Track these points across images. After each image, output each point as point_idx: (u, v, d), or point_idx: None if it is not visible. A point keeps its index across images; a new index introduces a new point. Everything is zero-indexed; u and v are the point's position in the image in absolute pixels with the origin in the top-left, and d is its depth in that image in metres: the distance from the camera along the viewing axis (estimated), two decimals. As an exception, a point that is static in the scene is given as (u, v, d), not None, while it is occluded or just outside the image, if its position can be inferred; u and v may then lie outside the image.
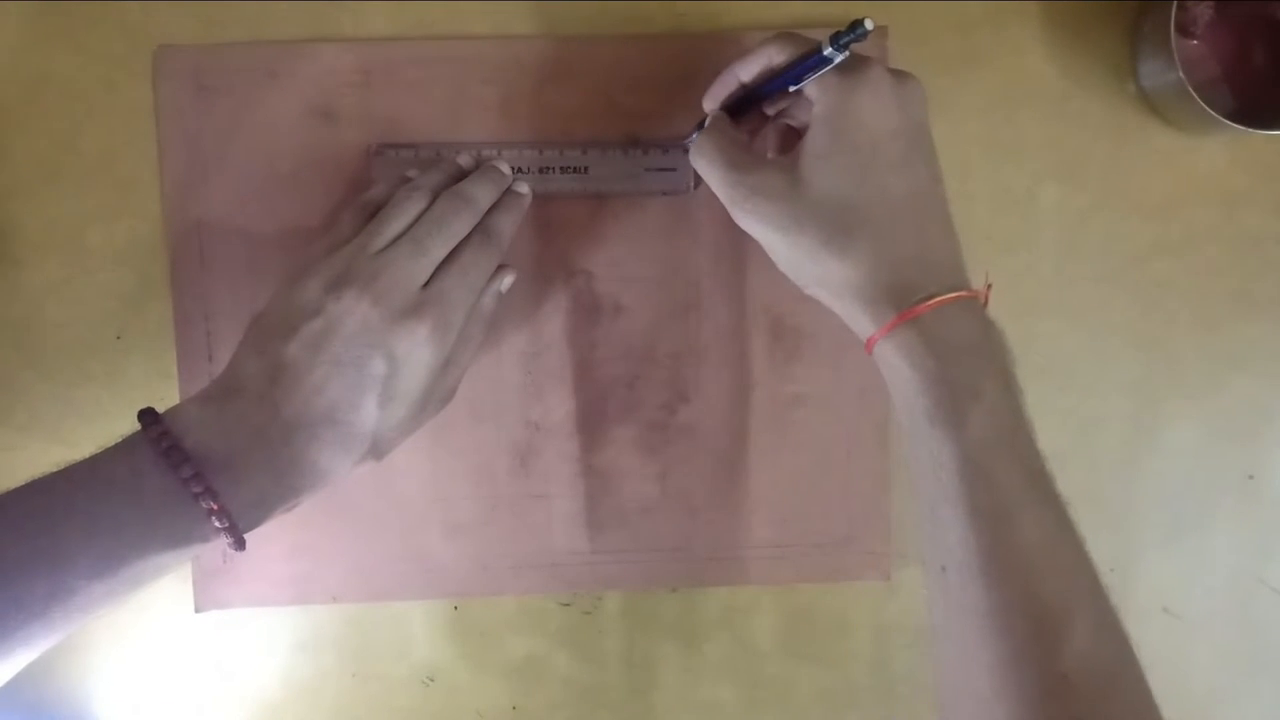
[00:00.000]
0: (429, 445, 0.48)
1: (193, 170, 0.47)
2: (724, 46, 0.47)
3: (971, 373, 0.36)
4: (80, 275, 0.47)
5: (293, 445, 0.37)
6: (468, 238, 0.41)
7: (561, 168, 0.47)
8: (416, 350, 0.39)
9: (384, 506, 0.48)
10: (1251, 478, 0.50)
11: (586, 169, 0.47)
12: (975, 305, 0.38)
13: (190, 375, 0.47)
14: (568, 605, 0.50)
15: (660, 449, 0.49)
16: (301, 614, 0.49)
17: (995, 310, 0.49)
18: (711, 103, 0.43)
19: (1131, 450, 0.50)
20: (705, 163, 0.41)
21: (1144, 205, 0.49)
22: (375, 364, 0.38)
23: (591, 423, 0.48)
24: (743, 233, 0.48)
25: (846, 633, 0.50)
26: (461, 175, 0.44)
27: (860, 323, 0.38)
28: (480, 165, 0.45)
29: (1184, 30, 0.46)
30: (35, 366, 0.48)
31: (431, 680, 0.50)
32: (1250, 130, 0.43)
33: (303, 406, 0.37)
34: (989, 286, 0.40)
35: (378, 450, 0.40)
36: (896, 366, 0.37)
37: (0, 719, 0.48)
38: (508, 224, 0.43)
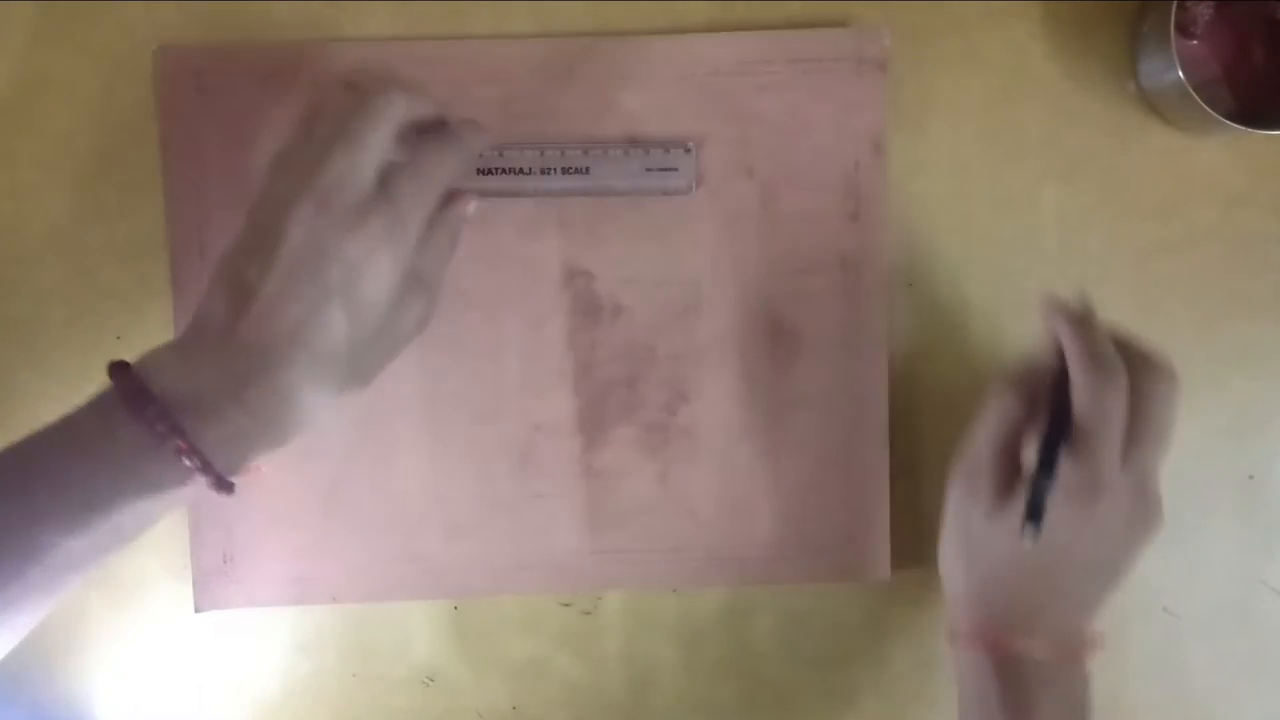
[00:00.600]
0: (429, 445, 0.48)
1: (193, 170, 0.47)
2: (724, 47, 0.47)
3: (1028, 709, 0.40)
4: (80, 275, 0.47)
5: (264, 374, 0.36)
6: (427, 137, 0.40)
7: (562, 168, 0.47)
8: (373, 250, 0.37)
9: (384, 506, 0.48)
10: (1251, 478, 0.50)
11: (587, 169, 0.47)
12: (1063, 668, 0.41)
13: (190, 375, 0.47)
14: (568, 605, 0.50)
15: (660, 449, 0.49)
16: (301, 614, 0.49)
17: (996, 312, 0.49)
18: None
19: (1131, 450, 0.50)
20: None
21: (1144, 205, 0.49)
22: (331, 271, 0.36)
23: (591, 423, 0.48)
24: (742, 233, 0.48)
25: (846, 633, 0.50)
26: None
27: (956, 623, 0.43)
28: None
29: (1184, 30, 0.46)
30: (35, 366, 0.48)
31: (431, 680, 0.50)
32: (1250, 130, 0.43)
33: (265, 331, 0.36)
34: (1102, 636, 0.42)
35: (359, 374, 0.38)
36: (962, 675, 0.42)
37: (0, 718, 0.48)
38: (469, 126, 0.42)
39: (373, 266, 0.37)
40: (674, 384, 0.49)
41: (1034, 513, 0.38)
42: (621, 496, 0.49)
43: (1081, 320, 0.41)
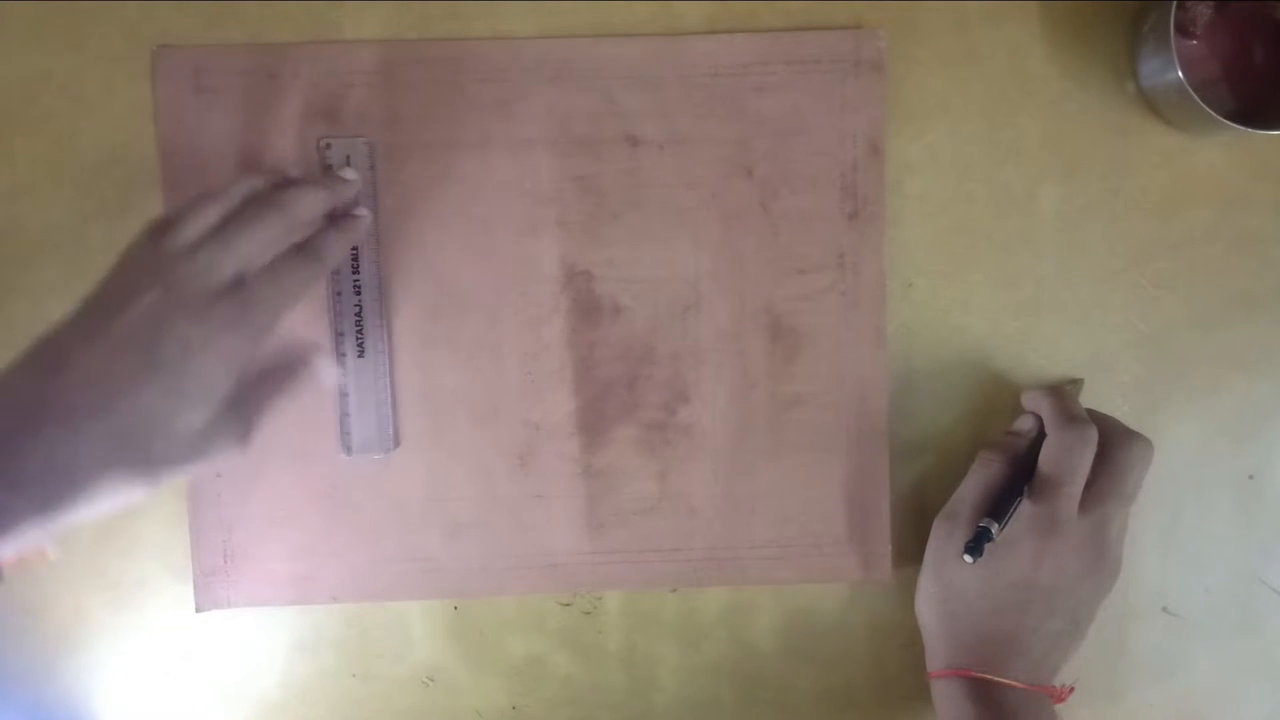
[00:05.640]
0: (429, 446, 0.48)
1: (193, 170, 0.47)
2: (723, 48, 0.47)
3: None
4: (80, 275, 0.47)
5: (45, 446, 0.33)
6: (288, 251, 0.40)
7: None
8: (212, 340, 0.35)
9: (384, 506, 0.48)
10: (1251, 478, 0.50)
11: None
12: (1033, 696, 0.44)
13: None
14: (568, 605, 0.50)
15: (660, 449, 0.49)
16: (301, 614, 0.49)
17: (996, 312, 0.49)
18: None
19: (1131, 450, 0.50)
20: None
21: (1144, 205, 0.49)
22: (164, 348, 0.35)
23: (591, 423, 0.48)
24: (742, 233, 0.48)
25: (846, 633, 0.50)
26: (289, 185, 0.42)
27: (930, 662, 0.46)
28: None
29: (1184, 30, 0.46)
30: (35, 366, 0.48)
31: (431, 680, 0.50)
32: (1250, 130, 0.43)
33: (62, 397, 0.33)
34: (1070, 690, 0.46)
35: (154, 470, 0.35)
36: (939, 704, 0.45)
37: (0, 719, 0.48)
38: (335, 242, 0.42)
39: (210, 353, 0.36)
40: (674, 384, 0.49)
41: (976, 541, 0.42)
42: (621, 496, 0.49)
43: (1058, 390, 0.47)
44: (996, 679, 0.43)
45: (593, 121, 0.47)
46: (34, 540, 0.34)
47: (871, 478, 0.49)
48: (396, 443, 0.48)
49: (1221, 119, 0.43)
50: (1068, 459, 0.44)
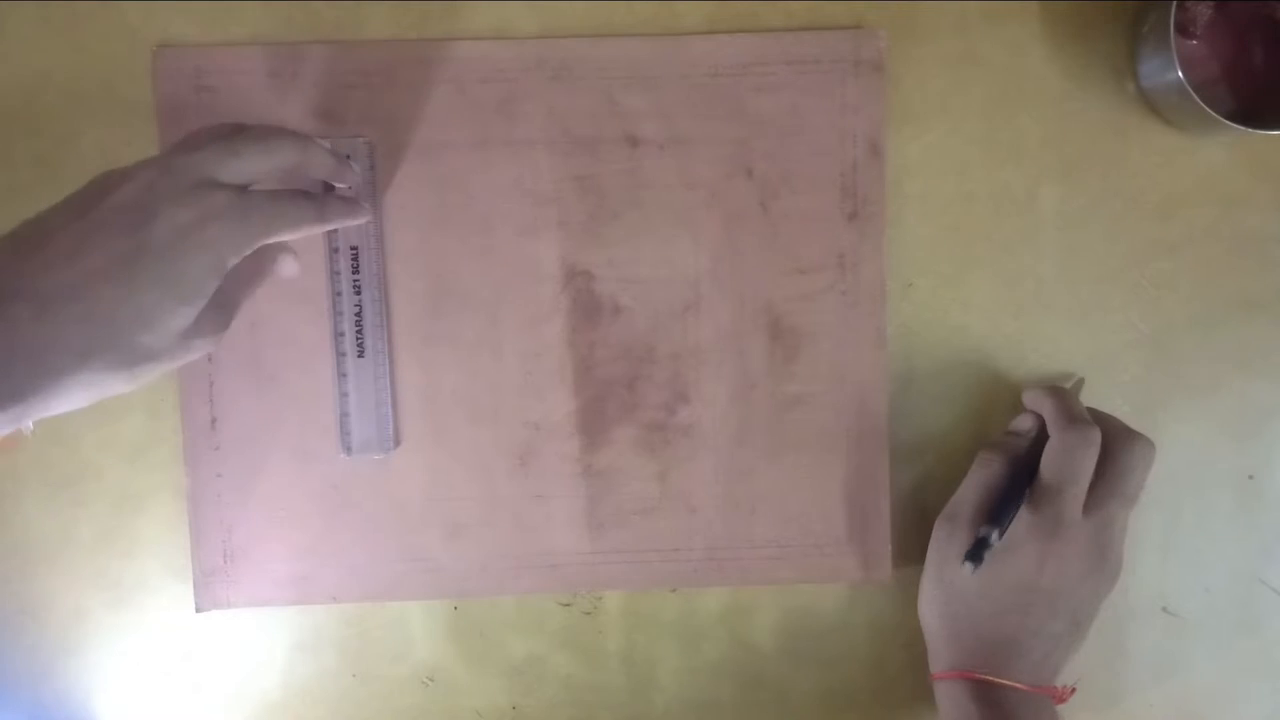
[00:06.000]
0: (429, 445, 0.48)
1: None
2: (723, 48, 0.47)
3: None
4: (80, 275, 0.47)
5: (14, 326, 0.31)
6: (292, 190, 0.40)
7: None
8: (206, 225, 0.34)
9: (384, 506, 0.48)
10: (1251, 478, 0.50)
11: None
12: (1035, 698, 0.44)
13: (191, 373, 0.47)
14: (568, 605, 0.50)
15: (660, 449, 0.49)
16: (301, 614, 0.49)
17: (996, 312, 0.49)
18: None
19: (1131, 450, 0.50)
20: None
21: (1144, 205, 0.49)
22: (154, 229, 0.33)
23: (591, 423, 0.48)
24: (742, 233, 0.48)
25: (846, 633, 0.50)
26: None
27: (933, 663, 0.46)
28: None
29: (1184, 30, 0.46)
30: (35, 366, 0.48)
31: (431, 680, 0.50)
32: (1250, 130, 0.43)
33: (39, 276, 0.31)
34: (1071, 690, 0.46)
35: (136, 362, 0.33)
36: (942, 704, 0.45)
37: (0, 719, 0.48)
38: (336, 203, 0.42)
39: (200, 239, 0.34)
40: (674, 384, 0.49)
41: (976, 549, 0.42)
42: (621, 496, 0.49)
43: (1059, 389, 0.47)
44: (999, 680, 0.43)
45: (593, 121, 0.47)
46: (6, 428, 0.32)
47: (871, 478, 0.49)
48: (396, 443, 0.48)
49: (1221, 119, 0.43)
50: (1071, 461, 0.43)
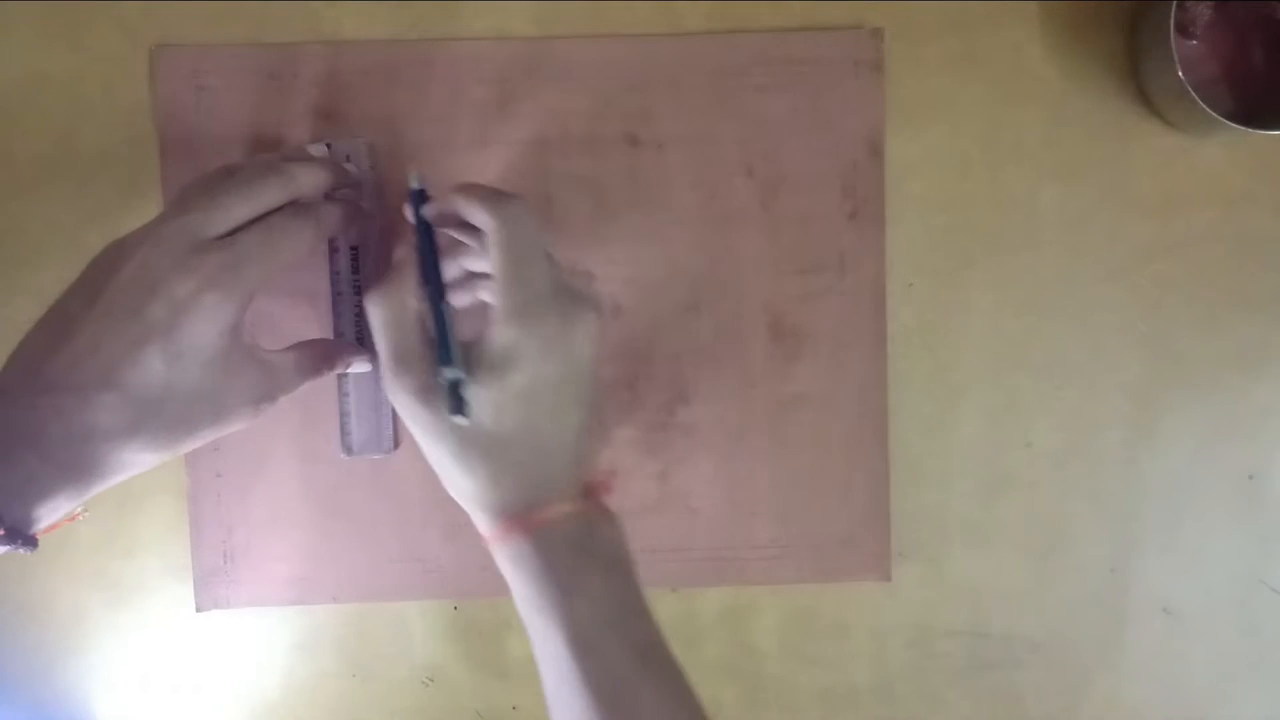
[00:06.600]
0: (429, 445, 0.48)
1: (192, 170, 0.47)
2: (723, 48, 0.47)
3: (573, 570, 0.38)
4: (80, 275, 0.47)
5: (63, 415, 0.34)
6: (284, 209, 0.39)
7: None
8: (200, 292, 0.35)
9: (384, 507, 0.48)
10: (1251, 478, 0.50)
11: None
12: (584, 517, 0.39)
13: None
14: (568, 605, 0.50)
15: (660, 449, 0.49)
16: (301, 614, 0.49)
17: (996, 312, 0.49)
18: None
19: (1131, 450, 0.50)
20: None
21: (1144, 205, 0.49)
22: (154, 309, 0.34)
23: (591, 423, 0.48)
24: (742, 233, 0.48)
25: (846, 633, 0.50)
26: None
27: (482, 527, 0.40)
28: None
29: (1184, 30, 0.46)
30: (35, 366, 0.48)
31: (431, 680, 0.50)
32: (1250, 130, 0.43)
33: (73, 369, 0.34)
34: (612, 474, 0.44)
35: (172, 432, 0.36)
36: (508, 569, 0.39)
37: (0, 719, 0.48)
38: (332, 210, 0.41)
39: (198, 309, 0.35)
40: (674, 384, 0.49)
41: (455, 399, 0.37)
42: (621, 496, 0.49)
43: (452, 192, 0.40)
44: (552, 519, 0.39)
45: (593, 121, 0.47)
46: (67, 509, 0.35)
47: (871, 478, 0.49)
48: (396, 443, 0.48)
49: (1221, 119, 0.43)
50: (516, 236, 0.38)
